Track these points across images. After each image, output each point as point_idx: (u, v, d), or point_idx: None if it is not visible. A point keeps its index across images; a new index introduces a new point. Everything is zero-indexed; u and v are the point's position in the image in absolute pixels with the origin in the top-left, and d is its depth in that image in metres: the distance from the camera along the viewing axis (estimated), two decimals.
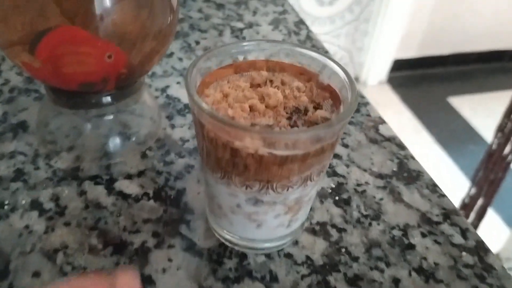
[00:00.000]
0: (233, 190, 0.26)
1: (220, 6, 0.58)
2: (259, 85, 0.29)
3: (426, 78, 2.11)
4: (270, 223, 0.28)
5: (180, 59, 0.49)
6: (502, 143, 0.93)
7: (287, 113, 0.26)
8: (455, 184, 1.56)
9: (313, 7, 1.82)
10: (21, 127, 0.39)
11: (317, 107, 0.27)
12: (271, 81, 0.29)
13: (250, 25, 0.55)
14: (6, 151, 0.37)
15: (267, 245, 0.31)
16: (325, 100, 0.28)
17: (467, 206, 1.02)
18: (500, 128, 0.94)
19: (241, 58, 0.29)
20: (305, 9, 1.81)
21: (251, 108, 0.26)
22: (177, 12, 0.35)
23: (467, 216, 1.01)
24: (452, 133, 1.81)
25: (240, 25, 0.55)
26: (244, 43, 0.29)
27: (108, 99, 0.35)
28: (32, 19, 0.30)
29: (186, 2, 0.58)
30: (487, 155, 0.98)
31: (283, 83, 0.29)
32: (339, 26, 1.90)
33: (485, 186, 0.98)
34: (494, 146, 0.95)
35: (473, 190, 1.01)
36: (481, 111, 1.91)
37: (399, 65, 2.07)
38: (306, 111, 0.27)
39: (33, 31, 0.30)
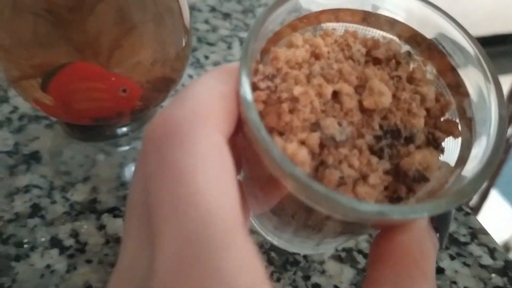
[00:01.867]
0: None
1: (226, 16, 0.57)
2: (377, 60, 0.19)
3: None
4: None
5: (190, 76, 0.48)
6: None
7: (381, 128, 0.18)
8: None
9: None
10: (34, 158, 0.38)
11: (431, 142, 0.18)
12: (396, 61, 0.19)
13: None
14: (20, 185, 0.36)
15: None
16: (451, 134, 0.19)
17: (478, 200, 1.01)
18: None
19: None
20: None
21: (334, 96, 0.18)
22: (191, 33, 0.34)
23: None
24: None
25: None
26: None
27: (123, 130, 0.34)
28: (43, 56, 0.29)
29: (192, 13, 0.57)
30: None
31: (413, 74, 0.19)
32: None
33: None
34: None
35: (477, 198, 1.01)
36: None
37: None
38: (408, 141, 0.18)
39: (44, 68, 0.29)
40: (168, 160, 0.14)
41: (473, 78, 0.18)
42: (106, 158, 0.37)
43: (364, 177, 0.17)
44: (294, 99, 0.17)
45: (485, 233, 0.34)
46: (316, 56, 0.19)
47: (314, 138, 0.17)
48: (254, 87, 0.17)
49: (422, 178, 0.17)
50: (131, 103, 0.31)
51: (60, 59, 0.29)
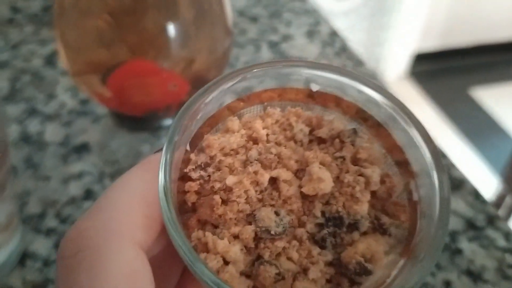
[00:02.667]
0: None
1: (253, 20, 0.60)
2: (321, 140, 0.19)
3: (447, 70, 2.10)
4: None
5: None
6: None
7: (323, 215, 0.17)
8: (479, 176, 1.56)
9: (328, 3, 1.83)
10: (83, 148, 0.42)
11: (377, 228, 0.17)
12: (340, 140, 0.18)
13: (285, 39, 0.57)
14: (74, 172, 0.40)
15: None
16: (398, 218, 0.17)
17: (495, 203, 1.03)
18: None
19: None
20: (320, 5, 1.82)
21: (273, 182, 0.17)
22: (233, 35, 0.37)
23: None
24: (475, 125, 1.81)
25: (275, 38, 0.57)
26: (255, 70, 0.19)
27: (168, 122, 0.38)
28: (104, 54, 0.33)
29: None
30: None
31: (357, 154, 0.18)
32: (355, 21, 1.90)
33: None
34: None
35: (502, 187, 1.02)
36: (504, 102, 1.90)
37: (418, 58, 2.07)
38: (351, 228, 0.17)
39: (105, 65, 0.33)
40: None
41: (418, 157, 0.17)
42: (150, 148, 0.41)
43: (304, 270, 0.16)
44: (228, 189, 0.16)
45: (500, 219, 0.37)
46: (254, 140, 0.18)
47: (248, 232, 0.16)
48: (186, 178, 0.17)
49: (364, 271, 0.16)
50: (179, 97, 0.34)
51: (118, 57, 0.32)
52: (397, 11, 1.88)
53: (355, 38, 1.95)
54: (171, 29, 0.32)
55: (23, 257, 0.34)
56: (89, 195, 0.38)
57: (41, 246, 0.34)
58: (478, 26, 2.06)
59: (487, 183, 1.38)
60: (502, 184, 1.03)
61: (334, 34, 0.58)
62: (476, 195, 0.38)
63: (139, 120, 0.37)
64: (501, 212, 1.02)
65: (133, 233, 0.15)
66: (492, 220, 0.37)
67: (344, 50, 0.55)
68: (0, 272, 0.32)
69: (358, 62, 0.54)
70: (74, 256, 0.14)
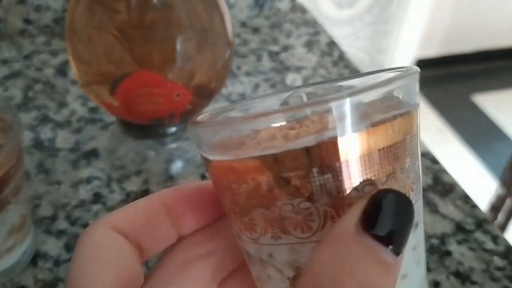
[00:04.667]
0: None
1: (255, 31, 0.63)
2: None
3: (449, 77, 2.12)
4: None
5: (225, 86, 0.53)
6: None
7: None
8: (481, 182, 1.57)
9: (331, 11, 1.85)
10: (92, 154, 0.44)
11: None
12: None
13: (285, 49, 0.59)
14: (83, 176, 0.42)
15: None
16: None
17: (494, 206, 1.04)
18: None
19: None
20: (324, 13, 1.84)
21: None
22: (233, 47, 0.39)
23: (495, 217, 1.04)
24: (477, 131, 1.82)
25: (276, 48, 0.59)
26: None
27: (172, 129, 0.40)
28: (112, 66, 0.35)
29: None
30: None
31: None
32: (358, 28, 1.93)
33: None
34: None
35: (501, 190, 1.03)
36: (506, 108, 1.91)
37: (421, 65, 2.08)
38: None
39: (113, 76, 0.35)
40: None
41: None
42: (155, 154, 0.43)
43: None
44: None
45: (489, 222, 0.39)
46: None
47: None
48: None
49: None
50: (182, 106, 0.37)
51: (125, 69, 0.34)
52: (400, 18, 1.89)
53: (359, 45, 1.97)
54: (175, 44, 0.34)
55: (35, 257, 0.36)
56: (97, 198, 0.40)
57: (52, 247, 0.36)
58: (479, 32, 2.08)
59: (488, 189, 1.39)
60: (501, 187, 1.05)
61: (332, 43, 0.60)
62: (466, 199, 0.40)
63: (145, 128, 0.39)
64: (500, 215, 1.03)
65: (110, 218, 0.18)
66: (480, 224, 0.38)
67: (342, 59, 0.57)
68: (13, 271, 0.34)
69: (355, 71, 0.56)
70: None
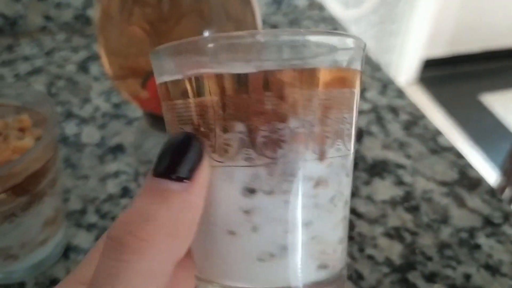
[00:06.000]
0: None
1: (274, 27, 0.63)
2: None
3: (456, 76, 2.12)
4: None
5: None
6: None
7: None
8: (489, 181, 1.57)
9: (339, 10, 1.85)
10: (118, 149, 0.44)
11: None
12: None
13: None
14: (110, 171, 0.42)
15: None
16: None
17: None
18: None
19: None
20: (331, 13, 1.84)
21: None
22: None
23: None
24: (484, 130, 1.82)
25: None
26: None
27: None
28: (143, 60, 0.35)
29: None
30: None
31: None
32: (365, 28, 1.93)
33: None
34: None
35: (501, 180, 1.03)
36: None
37: (428, 65, 2.09)
38: None
39: (144, 70, 0.35)
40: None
41: None
42: None
43: None
44: None
45: None
46: None
47: None
48: None
49: None
50: None
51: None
52: (406, 18, 1.90)
53: (367, 45, 1.97)
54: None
55: (67, 250, 0.36)
56: (125, 192, 0.40)
57: (83, 240, 0.37)
58: (486, 32, 2.08)
59: (497, 188, 1.39)
60: (501, 176, 1.05)
61: None
62: (492, 193, 0.40)
63: None
64: None
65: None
66: (508, 217, 0.38)
67: None
68: (46, 263, 0.35)
69: (376, 67, 0.56)
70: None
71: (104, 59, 0.37)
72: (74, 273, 0.18)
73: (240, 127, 0.16)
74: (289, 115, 0.16)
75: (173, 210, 0.16)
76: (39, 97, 0.33)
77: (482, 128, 1.84)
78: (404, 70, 2.05)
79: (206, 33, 0.34)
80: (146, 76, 0.35)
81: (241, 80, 0.16)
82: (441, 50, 2.10)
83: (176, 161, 0.16)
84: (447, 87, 2.06)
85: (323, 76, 0.17)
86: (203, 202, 0.17)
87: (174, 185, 0.16)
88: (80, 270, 0.18)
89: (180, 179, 0.16)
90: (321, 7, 0.67)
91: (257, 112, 0.16)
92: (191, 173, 0.16)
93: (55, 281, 0.34)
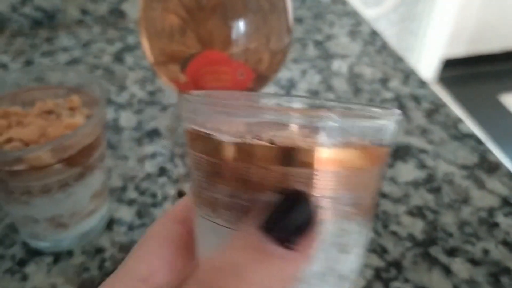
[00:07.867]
0: None
1: (299, 21, 0.65)
2: None
3: (476, 76, 2.11)
4: None
5: None
6: None
7: None
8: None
9: (359, 9, 1.86)
10: (155, 133, 0.47)
11: None
12: None
13: (329, 38, 0.62)
14: (148, 152, 0.45)
15: None
16: None
17: None
18: None
19: None
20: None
21: None
22: (292, 34, 0.42)
23: None
24: (504, 130, 1.81)
25: (320, 37, 0.62)
26: None
27: None
28: (182, 45, 0.38)
29: None
30: None
31: None
32: (385, 27, 1.93)
33: None
34: None
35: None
36: None
37: (448, 64, 2.08)
38: None
39: (183, 55, 0.38)
40: None
41: None
42: None
43: None
44: None
45: None
46: None
47: None
48: None
49: None
50: (244, 85, 0.39)
51: (193, 48, 0.37)
52: (426, 17, 1.90)
53: None
54: (239, 24, 0.37)
55: (110, 223, 0.39)
56: (162, 172, 0.43)
57: (125, 214, 0.40)
58: (507, 32, 2.06)
59: None
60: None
61: (374, 33, 0.62)
62: (511, 177, 0.42)
63: None
64: None
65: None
66: None
67: (384, 48, 0.60)
68: (92, 234, 0.38)
69: (398, 59, 0.58)
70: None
71: (146, 45, 0.39)
72: (127, 268, 0.19)
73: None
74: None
75: (268, 274, 0.15)
76: (89, 79, 0.36)
77: (502, 128, 1.83)
78: (424, 70, 2.05)
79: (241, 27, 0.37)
80: (185, 61, 0.38)
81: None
82: (461, 50, 2.09)
83: (293, 230, 0.15)
84: (467, 87, 2.05)
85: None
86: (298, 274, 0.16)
87: (282, 252, 0.15)
88: (133, 265, 0.19)
89: (289, 247, 0.15)
90: (344, 2, 0.69)
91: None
92: (301, 245, 0.15)
93: (100, 250, 0.37)
